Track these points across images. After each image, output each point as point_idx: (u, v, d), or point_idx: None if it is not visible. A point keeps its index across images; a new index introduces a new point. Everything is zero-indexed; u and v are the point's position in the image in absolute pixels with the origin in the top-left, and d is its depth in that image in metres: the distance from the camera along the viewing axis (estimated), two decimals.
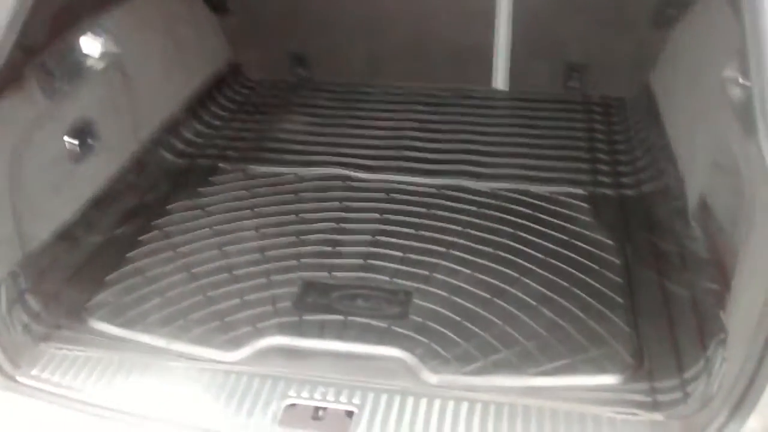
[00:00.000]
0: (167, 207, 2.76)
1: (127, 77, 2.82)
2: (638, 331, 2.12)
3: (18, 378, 2.01)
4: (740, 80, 2.27)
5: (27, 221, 2.25)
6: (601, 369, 1.99)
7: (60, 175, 2.45)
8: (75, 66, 2.56)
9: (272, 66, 3.77)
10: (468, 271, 2.38)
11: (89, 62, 2.64)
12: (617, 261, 2.41)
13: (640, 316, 2.17)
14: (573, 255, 2.45)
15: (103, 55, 2.70)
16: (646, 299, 2.25)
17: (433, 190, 2.82)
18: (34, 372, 2.03)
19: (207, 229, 2.63)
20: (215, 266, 2.44)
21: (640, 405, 1.88)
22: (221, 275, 2.40)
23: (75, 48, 2.58)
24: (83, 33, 2.62)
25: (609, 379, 1.96)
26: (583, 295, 2.26)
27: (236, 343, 2.10)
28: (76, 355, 2.08)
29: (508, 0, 3.37)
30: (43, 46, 2.36)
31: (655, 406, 1.87)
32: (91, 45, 2.67)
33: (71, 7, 2.51)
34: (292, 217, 2.69)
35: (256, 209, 2.73)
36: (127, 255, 2.50)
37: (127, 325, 2.20)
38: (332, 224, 2.64)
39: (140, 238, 2.59)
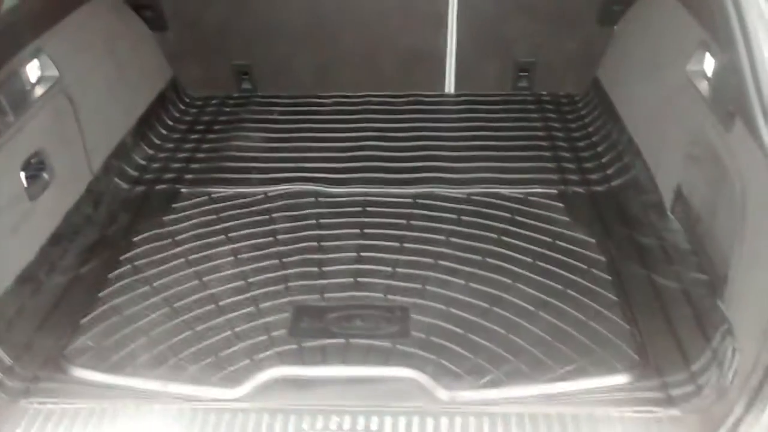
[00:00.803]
0: (133, 240, 2.60)
1: (73, 103, 2.65)
2: (638, 327, 2.15)
3: None
4: (707, 74, 2.35)
5: None
6: (610, 369, 2.01)
7: (18, 215, 2.27)
8: (21, 96, 2.38)
9: (215, 82, 3.63)
10: (461, 281, 2.36)
11: (35, 90, 2.47)
12: (602, 258, 2.45)
13: (636, 313, 2.21)
14: (559, 256, 2.47)
15: (47, 81, 2.52)
16: (638, 295, 2.28)
17: (408, 200, 2.78)
18: None
19: (181, 260, 2.50)
20: (198, 298, 2.32)
21: (655, 402, 1.90)
22: (206, 307, 2.28)
23: (19, 76, 2.39)
24: (25, 59, 2.43)
25: (620, 379, 1.98)
26: (578, 296, 2.28)
27: (236, 379, 2.00)
28: (63, 408, 1.92)
29: (456, 2, 3.37)
30: None
31: (670, 402, 1.90)
32: (34, 71, 2.49)
33: (11, 31, 2.33)
34: (270, 239, 2.59)
35: (229, 234, 2.62)
36: (99, 294, 2.34)
37: (113, 370, 2.05)
38: (313, 243, 2.56)
39: (109, 275, 2.43)
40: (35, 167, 2.38)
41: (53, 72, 2.53)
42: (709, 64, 2.36)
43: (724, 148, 2.08)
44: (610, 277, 2.36)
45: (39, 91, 2.46)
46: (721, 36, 2.20)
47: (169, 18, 3.40)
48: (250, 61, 3.56)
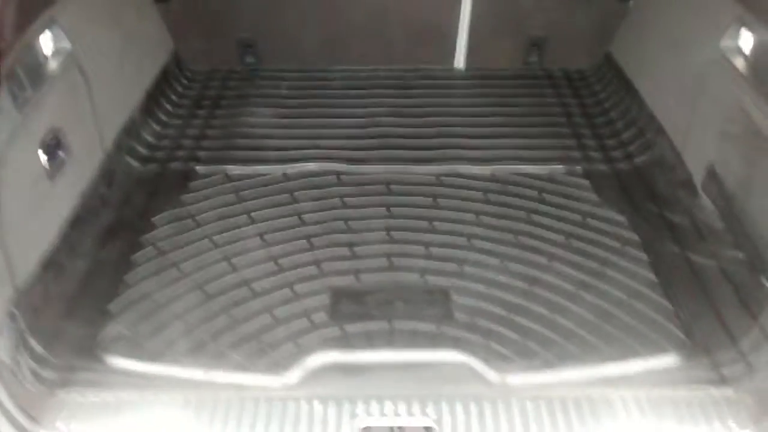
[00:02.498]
0: (151, 220, 2.51)
1: (86, 77, 2.52)
2: (681, 306, 2.14)
3: None
4: (744, 50, 2.33)
5: (13, 251, 1.96)
6: (660, 349, 2.00)
7: (38, 195, 2.16)
8: (37, 69, 2.25)
9: (219, 55, 3.50)
10: (497, 261, 2.33)
11: (50, 63, 2.33)
12: (635, 237, 2.43)
13: (676, 292, 2.20)
14: (591, 234, 2.45)
15: (61, 54, 2.39)
16: (676, 274, 2.28)
17: (432, 179, 2.73)
18: (59, 426, 1.78)
19: (205, 241, 2.41)
20: (229, 281, 2.25)
21: (708, 381, 1.91)
22: (239, 291, 2.21)
23: (35, 49, 2.26)
24: (40, 30, 2.30)
25: (670, 359, 1.98)
26: (617, 276, 2.27)
27: (283, 365, 1.95)
28: (105, 400, 1.84)
29: None
30: (9, 48, 2.04)
31: (723, 381, 1.90)
32: (49, 44, 2.36)
33: (27, 1, 2.19)
34: (295, 219, 2.52)
35: (252, 214, 2.54)
36: (124, 278, 2.25)
37: (152, 358, 1.98)
38: (340, 223, 2.49)
39: (132, 257, 2.34)
40: (52, 145, 2.25)
41: (66, 44, 2.40)
42: (745, 40, 2.34)
43: None
44: (646, 256, 2.34)
45: (53, 64, 2.33)
46: (762, 10, 2.18)
47: None
48: (254, 34, 3.44)
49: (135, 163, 2.80)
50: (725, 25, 2.41)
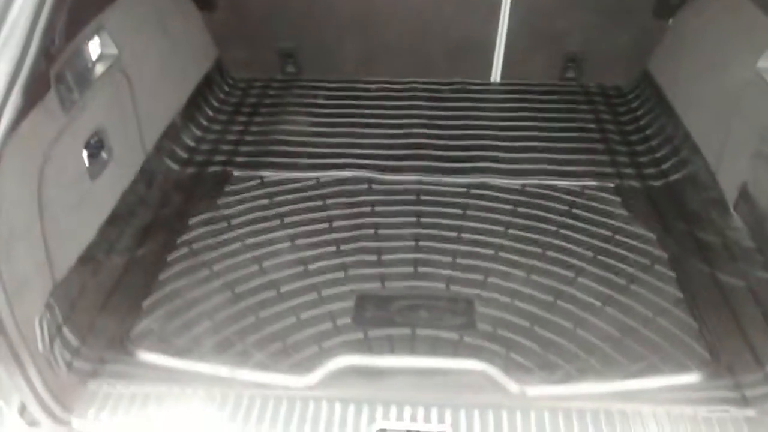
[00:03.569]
0: (188, 221, 2.59)
1: (130, 82, 2.62)
2: (706, 325, 2.13)
3: (74, 423, 1.84)
4: None
5: (54, 246, 2.04)
6: (682, 367, 1.99)
7: (80, 194, 2.25)
8: (84, 73, 2.35)
9: (260, 64, 3.60)
10: (523, 274, 2.34)
11: (96, 68, 2.44)
12: (664, 254, 2.42)
13: (702, 310, 2.18)
14: (619, 250, 2.45)
15: (108, 59, 2.49)
16: (703, 292, 2.26)
17: (462, 190, 2.75)
18: (90, 415, 1.86)
19: (238, 244, 2.48)
20: (258, 284, 2.31)
21: (729, 401, 1.89)
22: (268, 293, 2.27)
23: (83, 53, 2.36)
24: (89, 36, 2.40)
25: (692, 377, 1.97)
26: (643, 292, 2.26)
27: (306, 366, 1.99)
28: (133, 392, 1.92)
29: None
30: (59, 52, 2.14)
31: (745, 402, 1.88)
32: (96, 49, 2.46)
33: (78, 7, 2.29)
34: (325, 225, 2.57)
35: (285, 219, 2.60)
36: (160, 277, 2.33)
37: (180, 354, 2.04)
38: (369, 231, 2.54)
39: (168, 257, 2.42)
40: (95, 146, 2.35)
41: (113, 50, 2.50)
42: None
43: None
44: (674, 274, 2.33)
45: (99, 68, 2.43)
46: None
47: None
48: (295, 45, 3.52)
49: (174, 166, 2.89)
50: (763, 46, 2.39)
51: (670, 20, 3.28)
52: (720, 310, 2.18)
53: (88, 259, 2.24)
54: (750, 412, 1.85)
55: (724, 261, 2.35)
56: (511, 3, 3.29)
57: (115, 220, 2.43)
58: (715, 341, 2.07)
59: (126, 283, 2.31)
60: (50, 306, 1.97)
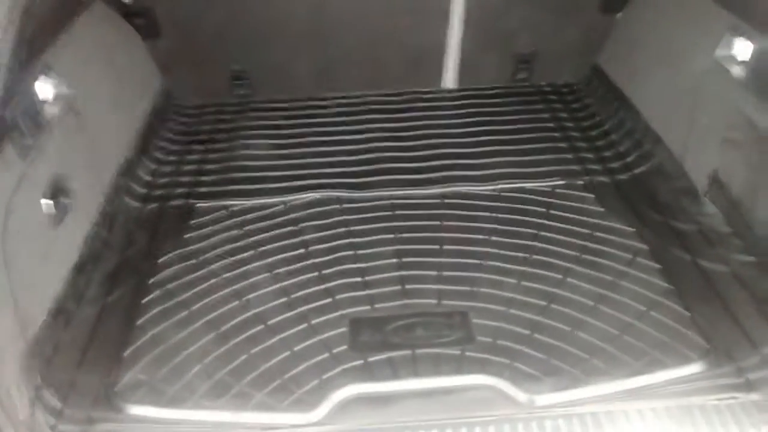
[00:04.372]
0: (157, 261, 2.46)
1: (83, 120, 2.48)
2: (698, 313, 2.14)
3: None
4: (740, 58, 2.36)
5: (23, 303, 1.91)
6: (684, 358, 2.00)
7: (45, 244, 2.11)
8: (36, 116, 2.21)
9: (208, 89, 3.48)
10: (512, 280, 2.32)
11: (47, 109, 2.29)
12: (645, 246, 2.44)
13: (692, 299, 2.20)
14: (601, 247, 2.45)
15: (58, 99, 2.35)
16: (689, 281, 2.28)
17: (436, 201, 2.72)
18: None
19: (214, 279, 2.37)
20: (243, 319, 2.21)
21: (735, 388, 1.91)
22: (255, 328, 2.17)
23: (33, 95, 2.22)
24: (36, 76, 2.26)
25: (696, 367, 1.97)
26: (632, 286, 2.27)
27: (309, 402, 1.91)
28: None
29: None
30: (9, 97, 2.01)
31: (750, 387, 1.90)
32: (45, 89, 2.32)
33: (23, 48, 2.15)
34: (302, 251, 2.49)
35: (259, 248, 2.50)
36: (137, 323, 2.20)
37: (174, 404, 1.93)
38: (349, 252, 2.47)
39: (142, 301, 2.29)
40: (55, 192, 2.21)
41: (62, 89, 2.37)
42: (740, 48, 2.37)
43: None
44: (658, 265, 2.35)
45: (50, 109, 2.29)
46: (759, 20, 2.21)
47: (163, 24, 3.23)
48: (245, 66, 3.43)
49: (134, 204, 2.76)
50: (719, 35, 2.44)
51: (618, 15, 3.34)
52: (708, 297, 2.20)
53: (58, 312, 2.10)
54: (755, 396, 1.87)
55: (703, 248, 2.39)
56: (461, 9, 3.29)
57: (81, 267, 2.30)
58: (710, 329, 2.09)
59: (102, 333, 2.18)
60: (26, 368, 1.84)
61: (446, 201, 2.72)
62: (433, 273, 2.36)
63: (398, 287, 2.31)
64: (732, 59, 2.39)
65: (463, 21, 3.32)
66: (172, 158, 3.09)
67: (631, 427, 1.81)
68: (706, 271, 2.30)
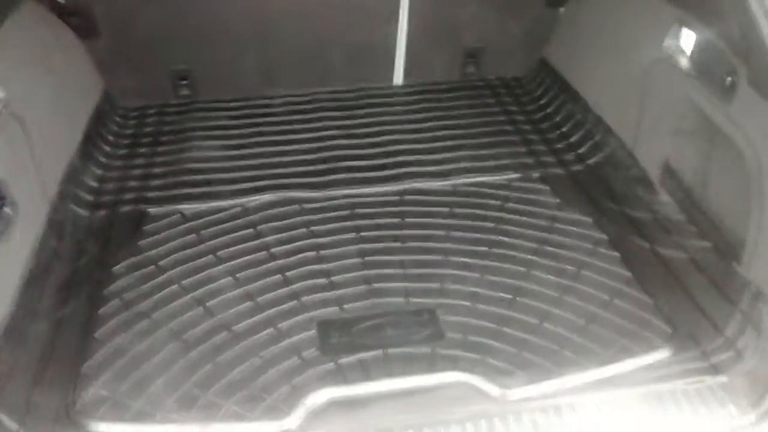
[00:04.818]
0: (111, 270, 2.36)
1: (23, 126, 2.36)
2: (660, 300, 2.19)
3: None
4: (687, 49, 2.42)
5: None
6: (651, 345, 2.04)
7: None
8: None
9: (152, 90, 3.36)
10: (476, 275, 2.32)
11: None
12: (603, 236, 2.48)
13: (653, 286, 2.25)
14: (561, 238, 2.48)
15: None
16: (649, 268, 2.33)
17: (395, 198, 2.70)
18: None
19: (174, 287, 2.29)
20: (207, 327, 2.14)
21: (702, 371, 1.95)
22: (220, 335, 2.11)
23: None
24: None
25: (662, 354, 2.01)
26: (595, 276, 2.30)
27: (282, 409, 1.87)
28: None
29: None
30: None
31: (715, 369, 1.95)
32: None
33: None
34: (264, 254, 2.43)
35: (219, 253, 2.43)
36: (95, 336, 2.11)
37: (140, 419, 1.86)
38: (312, 253, 2.43)
39: (99, 312, 2.19)
40: None
41: (0, 93, 2.24)
42: (686, 39, 2.44)
43: (725, 119, 2.15)
44: (617, 254, 2.39)
45: None
46: (702, 12, 2.27)
47: (102, 23, 3.10)
48: (188, 66, 3.33)
49: (82, 212, 2.64)
50: (665, 27, 2.50)
51: (561, 9, 3.38)
52: (669, 283, 2.26)
53: (10, 330, 1.99)
54: (722, 378, 1.92)
55: (660, 235, 2.44)
56: (410, 4, 3.27)
57: (31, 281, 2.18)
58: (673, 314, 2.14)
59: (58, 348, 2.07)
60: None
61: (405, 198, 2.71)
62: (399, 271, 2.34)
63: (365, 287, 2.28)
64: (680, 50, 2.45)
65: (411, 16, 3.30)
66: (118, 163, 2.97)
67: (606, 416, 1.83)
68: (665, 258, 2.36)
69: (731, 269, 2.11)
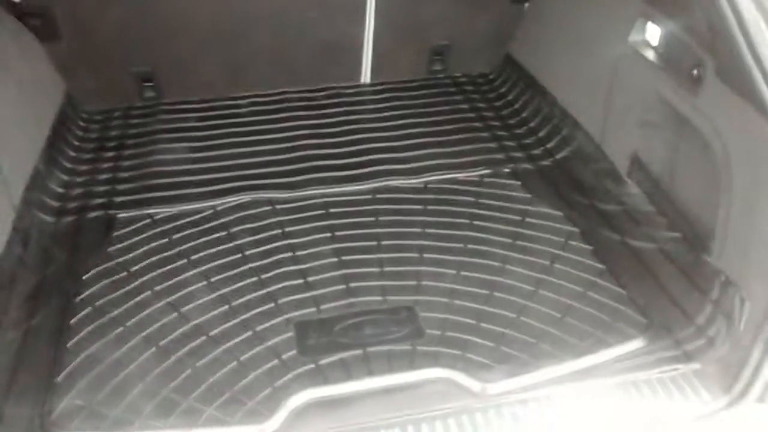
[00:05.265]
0: (81, 278, 2.32)
1: None
2: (633, 291, 2.23)
3: None
4: (653, 43, 2.47)
5: None
6: (626, 335, 2.07)
7: None
8: None
9: (115, 93, 3.31)
10: (452, 271, 2.33)
11: None
12: (575, 229, 2.51)
13: (624, 277, 2.29)
14: (534, 233, 2.51)
15: None
16: (620, 259, 2.37)
17: (368, 197, 2.70)
18: None
19: (147, 293, 2.26)
20: (183, 332, 2.11)
21: (675, 359, 1.99)
22: (196, 340, 2.09)
23: None
24: None
25: (637, 343, 2.05)
26: (567, 269, 2.33)
27: (263, 412, 1.85)
28: None
29: None
30: None
31: (688, 357, 1.99)
32: None
33: None
34: (238, 256, 2.41)
35: (191, 257, 2.40)
36: (68, 345, 2.06)
37: (118, 427, 1.83)
38: (287, 254, 2.41)
39: (71, 321, 2.15)
40: None
41: None
42: (652, 33, 2.48)
43: (692, 111, 2.19)
44: (590, 246, 2.42)
45: None
46: (667, 3, 2.32)
47: (62, 25, 3.03)
48: (152, 67, 3.27)
49: (48, 218, 2.58)
50: (631, 21, 2.54)
51: (526, 4, 3.41)
52: (641, 274, 2.29)
53: None
54: (695, 366, 1.97)
55: (630, 227, 2.48)
56: (375, 1, 3.27)
57: None
58: (646, 305, 2.18)
59: (29, 359, 2.03)
60: None
61: (378, 196, 2.71)
62: (375, 270, 2.34)
63: (342, 286, 2.28)
64: (645, 43, 2.49)
65: (377, 14, 3.30)
66: (83, 168, 2.92)
67: (584, 406, 1.86)
68: (636, 249, 2.40)
69: (701, 259, 2.16)
